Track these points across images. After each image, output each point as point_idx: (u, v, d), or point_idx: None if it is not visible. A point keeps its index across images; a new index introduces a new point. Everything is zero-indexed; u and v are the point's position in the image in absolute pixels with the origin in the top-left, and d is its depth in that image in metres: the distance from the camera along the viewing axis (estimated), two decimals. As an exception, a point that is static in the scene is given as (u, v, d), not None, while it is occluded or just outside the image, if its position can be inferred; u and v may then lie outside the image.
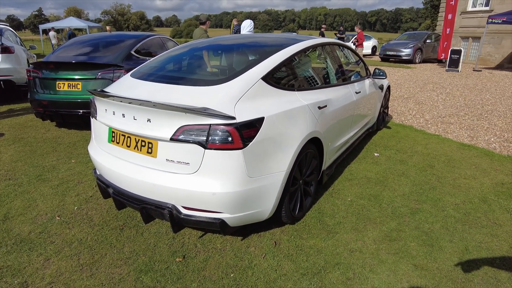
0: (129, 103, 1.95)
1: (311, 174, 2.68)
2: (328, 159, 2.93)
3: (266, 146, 2.04)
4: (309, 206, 2.74)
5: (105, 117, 2.21)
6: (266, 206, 2.13)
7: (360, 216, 2.66)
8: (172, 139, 1.89)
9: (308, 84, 2.84)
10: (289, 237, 2.38)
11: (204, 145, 1.85)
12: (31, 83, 4.51)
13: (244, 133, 1.91)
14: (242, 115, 1.92)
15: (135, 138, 2.07)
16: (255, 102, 2.09)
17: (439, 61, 15.98)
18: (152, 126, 1.94)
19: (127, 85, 2.45)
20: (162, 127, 1.91)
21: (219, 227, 1.99)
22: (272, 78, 2.33)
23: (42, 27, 24.04)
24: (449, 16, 14.21)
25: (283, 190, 2.18)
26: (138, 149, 2.07)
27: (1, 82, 6.19)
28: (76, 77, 4.30)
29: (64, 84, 4.33)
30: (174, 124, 1.89)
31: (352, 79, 3.69)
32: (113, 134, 2.21)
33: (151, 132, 1.94)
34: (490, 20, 12.74)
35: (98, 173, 2.46)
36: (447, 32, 14.44)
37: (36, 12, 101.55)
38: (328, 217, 2.64)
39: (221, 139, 1.85)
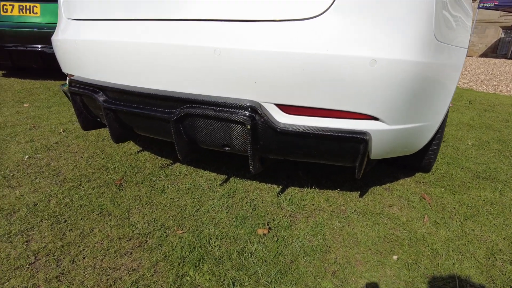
0: None
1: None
2: None
3: None
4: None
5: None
6: (435, 118, 1.05)
7: (513, 162, 1.67)
8: None
9: None
10: (440, 188, 1.32)
11: None
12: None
13: None
14: None
15: None
16: None
17: None
18: None
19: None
20: None
21: (358, 157, 0.89)
22: None
23: None
24: None
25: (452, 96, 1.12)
26: None
27: None
28: (32, -2, 2.98)
29: (12, 6, 2.98)
30: None
31: None
32: None
33: None
34: (481, 4, 12.55)
35: (76, 75, 1.25)
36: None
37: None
38: (466, 162, 1.61)
39: None
